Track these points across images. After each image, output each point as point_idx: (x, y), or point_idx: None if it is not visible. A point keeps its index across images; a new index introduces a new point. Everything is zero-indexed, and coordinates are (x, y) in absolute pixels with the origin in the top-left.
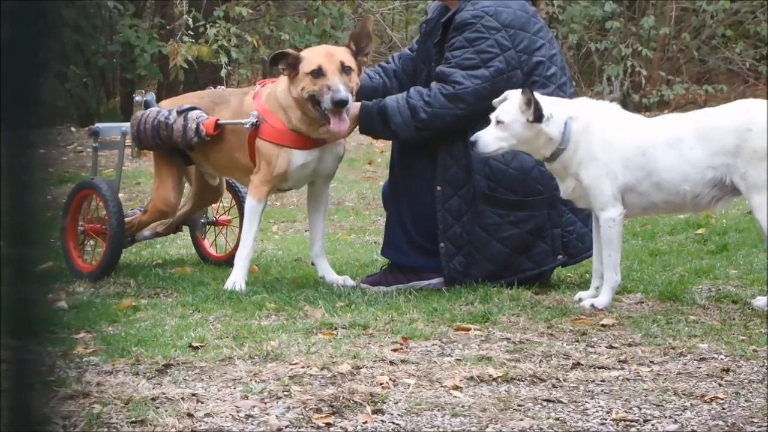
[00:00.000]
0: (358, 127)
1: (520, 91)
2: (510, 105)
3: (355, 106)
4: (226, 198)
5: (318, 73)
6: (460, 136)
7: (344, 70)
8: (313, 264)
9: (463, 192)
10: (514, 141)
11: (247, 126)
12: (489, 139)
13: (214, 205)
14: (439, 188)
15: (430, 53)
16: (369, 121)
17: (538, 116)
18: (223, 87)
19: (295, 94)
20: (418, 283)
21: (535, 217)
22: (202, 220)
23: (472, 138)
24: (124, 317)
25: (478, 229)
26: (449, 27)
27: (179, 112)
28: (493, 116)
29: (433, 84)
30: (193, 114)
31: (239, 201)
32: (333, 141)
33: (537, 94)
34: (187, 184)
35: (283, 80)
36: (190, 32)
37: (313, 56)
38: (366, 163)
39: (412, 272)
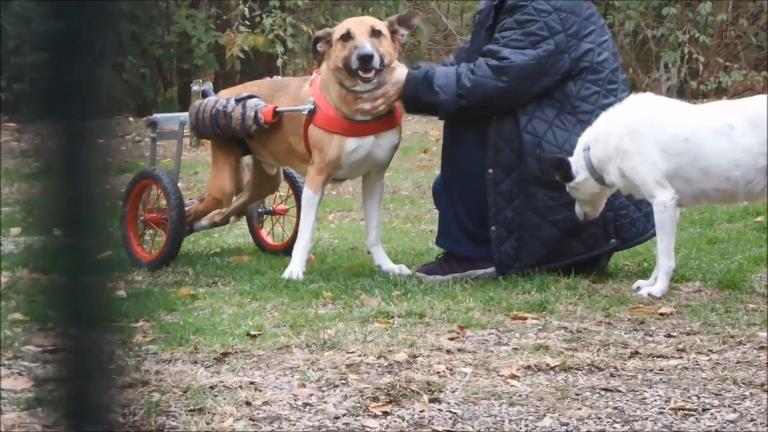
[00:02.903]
0: (402, 96)
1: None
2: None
3: (401, 73)
4: (284, 187)
5: (347, 36)
6: (510, 118)
7: (374, 33)
8: (369, 252)
9: (514, 175)
10: (581, 197)
11: (305, 113)
12: (578, 207)
13: (271, 195)
14: (490, 171)
15: (483, 42)
16: (413, 85)
17: (565, 177)
18: (279, 77)
19: (332, 67)
20: (474, 272)
21: None
22: (260, 210)
23: (578, 214)
24: (182, 306)
25: (529, 212)
26: (501, 10)
27: (237, 101)
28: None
29: (481, 58)
30: (251, 102)
31: (296, 191)
32: (387, 128)
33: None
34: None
35: (324, 64)
36: (246, 22)
37: (343, 24)
38: (421, 152)
39: (468, 261)
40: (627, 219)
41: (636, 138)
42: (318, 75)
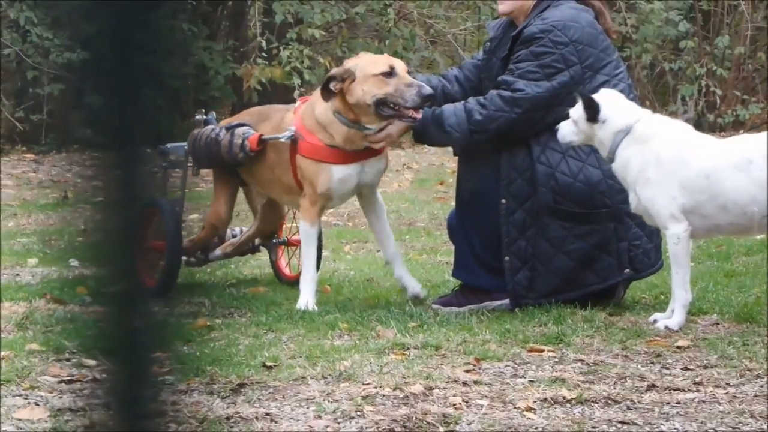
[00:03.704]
0: (412, 134)
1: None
2: (579, 105)
3: None
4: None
5: (391, 74)
6: (523, 148)
7: (408, 72)
8: (387, 264)
9: (527, 205)
10: (582, 136)
11: (283, 140)
12: (565, 131)
13: (287, 225)
14: (503, 202)
15: (495, 70)
16: (422, 127)
17: (591, 116)
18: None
19: (354, 100)
20: (490, 303)
21: (600, 231)
22: (275, 240)
23: (557, 126)
24: (198, 337)
25: (543, 242)
26: (516, 41)
27: (227, 129)
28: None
29: (492, 90)
30: (239, 130)
31: None
32: (374, 155)
33: (609, 96)
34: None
35: (318, 100)
36: (263, 54)
37: (374, 60)
38: (437, 183)
39: (484, 293)
40: (641, 249)
41: (661, 169)
42: (302, 103)
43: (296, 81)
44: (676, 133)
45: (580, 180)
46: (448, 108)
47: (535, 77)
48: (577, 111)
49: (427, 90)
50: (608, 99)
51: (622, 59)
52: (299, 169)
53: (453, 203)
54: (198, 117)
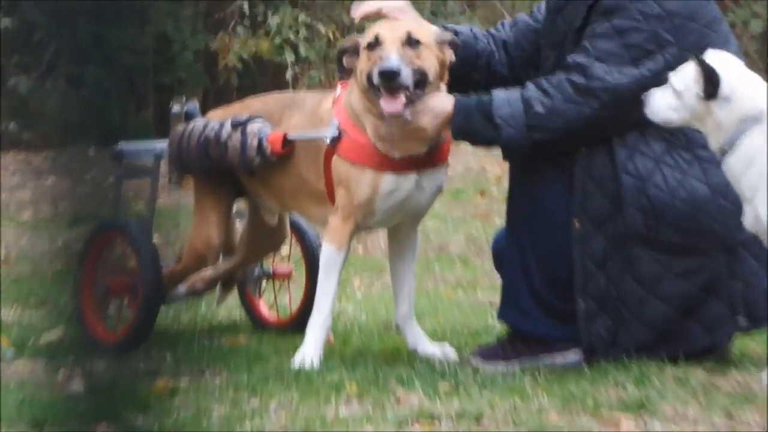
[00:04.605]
0: (450, 127)
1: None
2: (687, 70)
3: (442, 102)
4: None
5: (374, 44)
6: (603, 152)
7: (409, 42)
8: (397, 328)
9: (609, 229)
10: (686, 114)
11: (327, 141)
12: (660, 103)
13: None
14: (576, 224)
15: (561, 37)
16: (464, 117)
17: (710, 92)
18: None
19: (359, 86)
20: (549, 357)
21: (708, 267)
22: (257, 272)
23: (645, 94)
24: (158, 404)
25: (630, 280)
26: (593, 10)
27: (235, 125)
28: (670, 79)
29: (560, 73)
30: (253, 126)
31: (306, 245)
32: (434, 163)
33: (733, 66)
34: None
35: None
36: (245, 21)
37: (374, 27)
38: (477, 194)
39: (541, 343)
40: (759, 290)
41: None
42: (344, 89)
43: (289, 57)
44: None
45: (681, 197)
46: (499, 94)
47: (617, 61)
48: (685, 79)
49: (386, 65)
50: (733, 70)
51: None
52: (334, 172)
53: (500, 222)
54: (176, 108)
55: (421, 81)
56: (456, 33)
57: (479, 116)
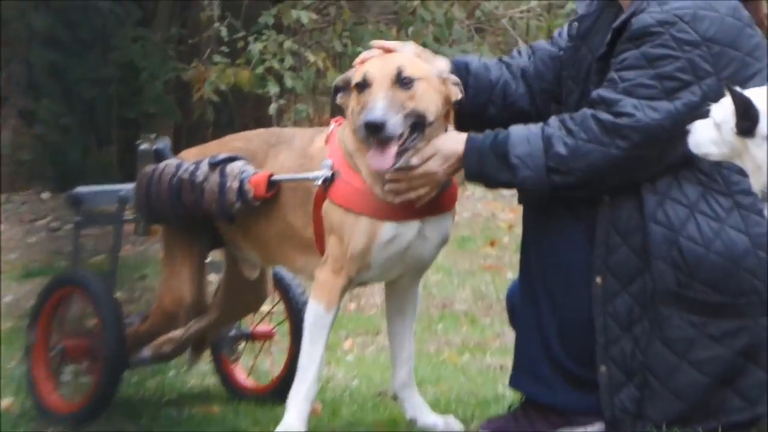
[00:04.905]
0: (463, 170)
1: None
2: (726, 101)
3: (453, 141)
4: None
5: (363, 85)
6: (630, 198)
7: (400, 81)
8: (395, 398)
9: (635, 287)
10: (725, 149)
11: (318, 182)
12: (702, 136)
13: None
14: (598, 280)
15: (586, 68)
16: (477, 158)
17: (745, 128)
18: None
19: (350, 124)
20: (568, 430)
21: (748, 329)
22: (232, 334)
23: (689, 126)
24: None
25: (659, 344)
26: (620, 35)
27: (212, 165)
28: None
29: (585, 109)
30: (233, 167)
31: (290, 302)
32: (440, 210)
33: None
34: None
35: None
36: (223, 48)
37: (365, 63)
38: (486, 244)
39: (558, 414)
40: None
41: None
42: (338, 125)
43: (273, 89)
44: None
45: (717, 250)
46: (517, 130)
47: (648, 94)
48: (723, 112)
49: (370, 116)
50: None
51: None
52: (325, 218)
53: (513, 275)
54: (144, 146)
55: (419, 124)
56: (466, 65)
57: (493, 156)
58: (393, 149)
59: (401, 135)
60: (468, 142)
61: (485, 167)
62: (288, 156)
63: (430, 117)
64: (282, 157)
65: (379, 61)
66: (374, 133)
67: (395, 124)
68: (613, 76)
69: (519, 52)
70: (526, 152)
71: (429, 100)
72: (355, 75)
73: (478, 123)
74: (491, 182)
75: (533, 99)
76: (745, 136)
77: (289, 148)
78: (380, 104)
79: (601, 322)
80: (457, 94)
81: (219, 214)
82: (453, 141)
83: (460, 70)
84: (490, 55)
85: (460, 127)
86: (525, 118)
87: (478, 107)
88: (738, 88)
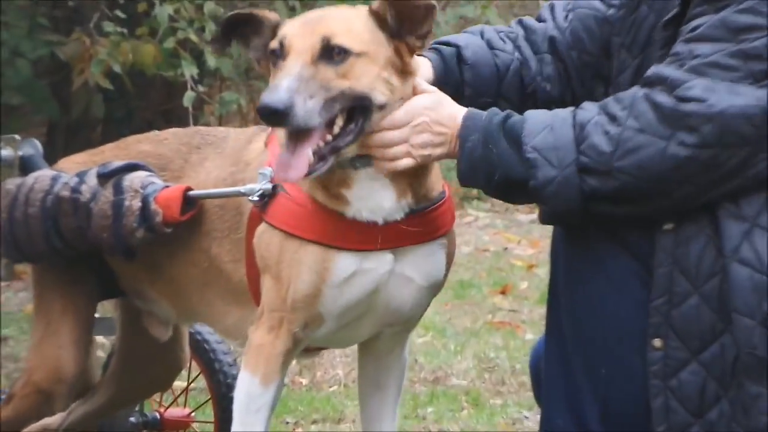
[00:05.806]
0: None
1: None
2: None
3: (450, 102)
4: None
5: (279, 54)
6: (700, 225)
7: (327, 53)
8: None
9: (708, 355)
10: None
11: (253, 197)
12: None
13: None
14: (657, 343)
15: (645, 33)
16: (481, 136)
17: None
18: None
19: None
20: None
21: None
22: (133, 420)
23: None
24: None
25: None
26: None
27: (103, 177)
28: None
29: (636, 89)
30: (133, 179)
31: (214, 373)
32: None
33: None
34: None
35: None
36: (117, 13)
37: (287, 24)
38: (496, 291)
39: None
40: None
41: None
42: None
43: (189, 71)
44: None
45: None
46: (535, 115)
47: (729, 75)
48: None
49: (267, 98)
50: None
51: None
52: (260, 247)
53: (533, 336)
54: (6, 152)
55: (363, 109)
56: (457, 52)
57: (504, 140)
58: (308, 150)
59: (330, 126)
60: (467, 115)
61: (491, 154)
62: (216, 163)
63: (378, 99)
64: (209, 165)
65: (303, 23)
66: (273, 122)
67: (309, 110)
68: (680, 48)
69: (551, 10)
70: (548, 143)
71: (372, 75)
72: (276, 39)
73: None
74: (496, 181)
75: (567, 80)
76: None
77: (218, 152)
78: (286, 83)
79: (661, 402)
80: (427, 71)
81: (113, 246)
82: (449, 103)
83: (449, 61)
84: (500, 22)
85: None
86: (553, 106)
87: (482, 102)
88: None
